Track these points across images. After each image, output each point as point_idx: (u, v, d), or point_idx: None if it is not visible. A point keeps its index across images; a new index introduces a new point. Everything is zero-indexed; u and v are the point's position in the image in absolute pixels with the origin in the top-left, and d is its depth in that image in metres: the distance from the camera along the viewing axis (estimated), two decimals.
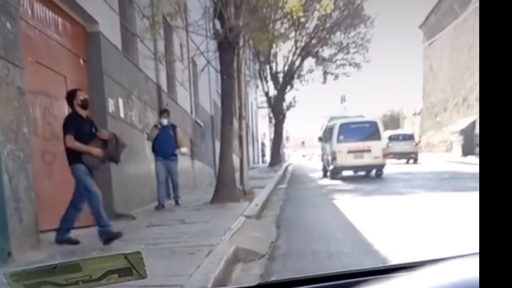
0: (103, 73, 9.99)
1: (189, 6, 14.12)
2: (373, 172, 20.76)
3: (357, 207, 11.35)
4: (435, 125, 39.11)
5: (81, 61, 9.71)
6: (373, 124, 20.85)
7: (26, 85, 6.93)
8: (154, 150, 11.62)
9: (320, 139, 25.29)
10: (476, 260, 1.22)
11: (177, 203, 11.86)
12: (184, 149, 12.48)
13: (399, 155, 30.29)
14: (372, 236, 7.70)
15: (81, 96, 7.22)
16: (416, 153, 30.79)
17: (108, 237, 7.11)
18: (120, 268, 1.09)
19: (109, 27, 10.52)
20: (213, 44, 13.48)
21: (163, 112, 11.83)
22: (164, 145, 11.42)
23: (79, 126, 7.11)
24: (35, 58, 7.82)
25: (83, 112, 7.25)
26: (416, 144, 31.57)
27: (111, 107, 10.31)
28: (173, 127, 11.76)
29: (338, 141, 20.37)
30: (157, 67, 13.68)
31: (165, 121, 11.51)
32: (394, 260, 6.03)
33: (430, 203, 11.49)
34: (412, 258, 5.92)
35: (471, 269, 1.33)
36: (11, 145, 6.37)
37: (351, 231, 8.46)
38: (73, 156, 7.10)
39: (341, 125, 20.92)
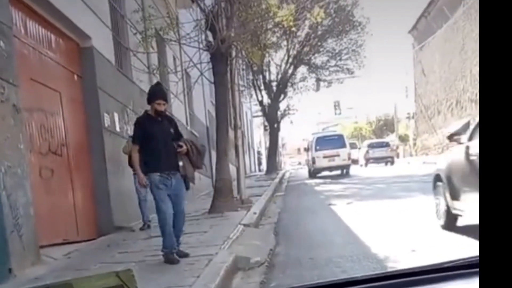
0: (98, 88, 10.05)
1: (181, 19, 14.23)
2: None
3: (354, 213, 11.39)
4: (430, 128, 39.16)
5: (75, 76, 9.78)
6: (341, 136, 29.32)
7: (22, 103, 6.99)
8: (131, 164, 9.46)
9: (305, 149, 32.71)
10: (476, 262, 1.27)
11: (148, 226, 10.06)
12: None
13: (378, 160, 36.26)
14: (369, 241, 7.75)
15: (158, 106, 6.63)
16: (392, 157, 36.68)
17: (166, 259, 6.66)
18: (112, 286, 1.11)
19: (102, 42, 10.60)
20: (206, 56, 13.55)
21: None
22: None
23: (148, 131, 6.66)
24: (29, 75, 7.88)
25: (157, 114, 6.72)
26: (391, 150, 37.95)
27: (106, 122, 10.37)
28: None
29: (316, 150, 27.54)
30: (151, 80, 13.74)
31: None
32: (395, 266, 6.08)
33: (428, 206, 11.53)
34: (412, 263, 5.99)
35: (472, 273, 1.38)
36: (8, 162, 6.42)
37: (349, 236, 8.51)
38: (144, 166, 6.75)
39: (318, 138, 28.79)
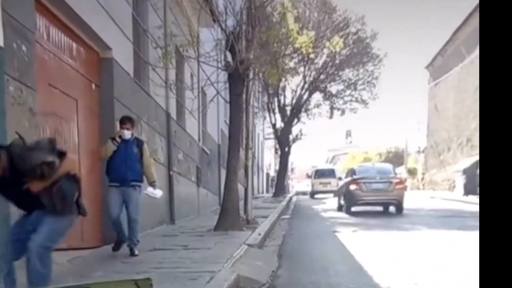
0: (114, 98, 10.16)
1: (201, 38, 14.37)
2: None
3: (359, 241, 11.39)
4: (439, 163, 39.12)
5: (93, 85, 9.89)
6: (332, 170, 40.42)
7: (38, 107, 7.08)
8: (108, 172, 8.63)
9: (308, 176, 44.19)
10: None
11: (131, 252, 8.47)
12: (153, 180, 8.94)
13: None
14: (372, 270, 7.75)
15: None
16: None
17: None
18: None
19: (122, 54, 10.73)
20: (223, 75, 13.67)
21: (125, 120, 8.62)
22: (123, 166, 8.47)
23: None
24: (48, 80, 7.98)
25: None
26: None
27: None
28: (139, 142, 8.75)
29: (315, 178, 39.12)
30: (167, 95, 13.86)
31: (127, 134, 8.51)
32: None
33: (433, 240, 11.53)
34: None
35: None
36: None
37: (351, 264, 8.51)
38: None
39: (316, 170, 40.73)
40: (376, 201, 19.87)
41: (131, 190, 8.46)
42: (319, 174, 39.26)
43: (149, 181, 8.87)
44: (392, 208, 19.97)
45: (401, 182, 20.55)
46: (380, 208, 20.36)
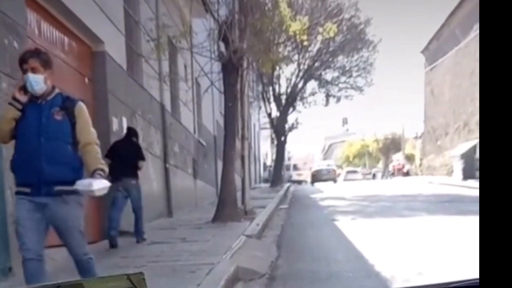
0: (108, 92, 10.09)
1: (194, 28, 14.28)
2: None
3: (358, 229, 11.36)
4: (436, 149, 39.13)
5: (86, 80, 9.81)
6: (305, 164, 54.57)
7: None
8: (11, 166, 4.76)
9: (287, 169, 55.74)
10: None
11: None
12: (96, 167, 4.65)
13: (350, 180, 51.56)
14: (372, 258, 7.72)
15: None
16: (360, 179, 56.30)
17: None
18: None
19: (114, 47, 10.65)
20: (217, 66, 13.60)
21: (28, 57, 4.57)
22: (35, 152, 4.50)
23: None
24: None
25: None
26: (364, 175, 61.59)
27: (115, 126, 10.40)
28: (66, 102, 4.75)
29: (293, 170, 53.02)
30: (161, 87, 13.79)
31: (34, 80, 4.53)
32: (395, 283, 6.07)
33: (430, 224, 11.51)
34: (413, 282, 6.00)
35: None
36: None
37: (351, 252, 8.49)
38: None
39: (293, 164, 55.87)
40: (324, 179, 41.15)
41: (59, 204, 4.58)
42: (295, 167, 55.77)
43: (89, 170, 4.68)
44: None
45: (334, 170, 45.66)
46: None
